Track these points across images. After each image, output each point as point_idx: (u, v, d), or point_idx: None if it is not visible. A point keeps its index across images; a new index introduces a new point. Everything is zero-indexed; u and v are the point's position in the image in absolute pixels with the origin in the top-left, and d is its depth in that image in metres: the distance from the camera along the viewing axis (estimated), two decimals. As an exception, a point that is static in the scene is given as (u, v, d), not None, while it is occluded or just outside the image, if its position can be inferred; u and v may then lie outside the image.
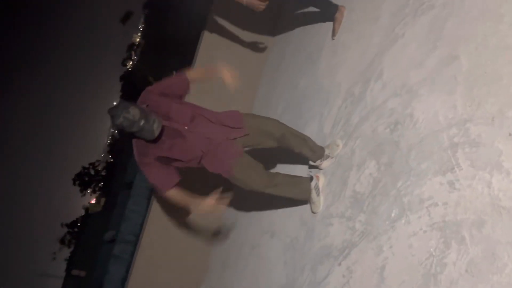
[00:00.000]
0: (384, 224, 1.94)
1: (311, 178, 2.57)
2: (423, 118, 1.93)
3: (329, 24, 3.28)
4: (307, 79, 3.42)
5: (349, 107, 2.61)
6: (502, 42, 1.66)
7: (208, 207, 2.29)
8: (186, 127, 2.27)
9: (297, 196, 2.60)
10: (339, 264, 2.17)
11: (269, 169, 3.21)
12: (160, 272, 4.19)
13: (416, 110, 2.00)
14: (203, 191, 4.20)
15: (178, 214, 4.23)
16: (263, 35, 4.50)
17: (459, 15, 1.95)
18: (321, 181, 2.56)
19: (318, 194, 2.52)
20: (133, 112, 1.99)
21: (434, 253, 1.62)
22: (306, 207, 2.67)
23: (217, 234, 4.28)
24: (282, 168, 3.22)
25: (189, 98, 2.58)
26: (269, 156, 3.04)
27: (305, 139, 2.55)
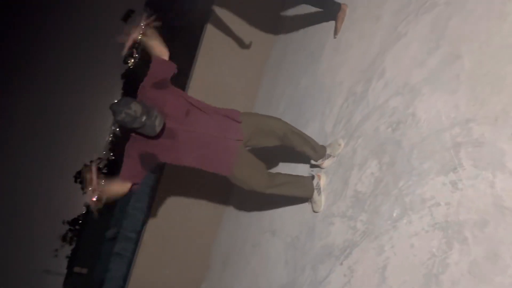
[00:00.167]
0: (386, 223, 1.94)
1: (312, 177, 2.56)
2: (425, 117, 1.92)
3: (331, 23, 3.26)
4: (308, 78, 3.41)
5: (350, 106, 2.60)
6: (506, 41, 1.65)
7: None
8: (181, 126, 2.23)
9: (298, 196, 2.59)
10: (341, 264, 2.17)
11: (270, 168, 3.21)
12: (161, 269, 4.19)
13: (418, 109, 1.98)
14: (203, 190, 4.22)
15: (180, 212, 4.23)
16: (265, 33, 4.49)
17: (462, 14, 1.93)
18: (322, 180, 2.55)
19: (319, 194, 2.51)
20: (135, 107, 1.98)
21: (436, 253, 1.61)
22: (307, 206, 2.66)
23: (218, 233, 4.28)
24: (283, 167, 3.21)
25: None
26: (270, 155, 3.04)
27: (307, 138, 2.53)
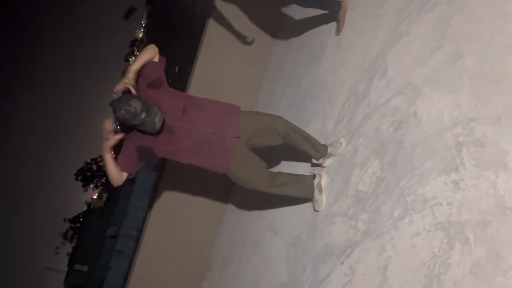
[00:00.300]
0: (387, 223, 1.93)
1: (314, 176, 2.56)
2: (427, 117, 1.92)
3: (333, 22, 3.26)
4: (310, 77, 3.40)
5: (352, 105, 2.59)
6: (509, 40, 1.64)
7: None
8: (178, 123, 2.23)
9: (300, 195, 2.59)
10: (342, 263, 2.16)
11: (271, 167, 3.20)
12: (162, 267, 4.20)
13: (420, 109, 1.98)
14: (204, 189, 4.22)
15: (181, 211, 4.23)
16: (266, 32, 4.48)
17: (464, 13, 1.92)
18: (323, 179, 2.54)
19: (320, 193, 2.51)
20: (135, 104, 1.99)
21: (437, 254, 1.60)
22: (309, 205, 2.66)
23: (219, 231, 4.28)
24: (284, 166, 3.21)
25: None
26: (271, 155, 3.03)
27: (308, 137, 2.53)
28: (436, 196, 1.71)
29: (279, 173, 2.50)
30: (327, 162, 2.58)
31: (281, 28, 4.50)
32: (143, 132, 2.18)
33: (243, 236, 3.60)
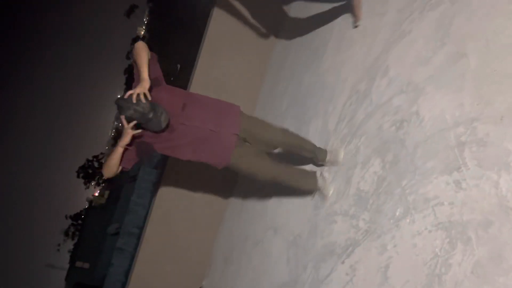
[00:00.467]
0: (389, 223, 1.93)
1: (314, 172, 2.58)
2: (429, 116, 1.91)
3: (334, 20, 3.24)
4: (311, 75, 3.40)
5: (354, 104, 2.58)
6: (512, 39, 1.63)
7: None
8: (178, 120, 2.23)
9: (303, 186, 2.60)
10: (342, 263, 2.16)
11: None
12: (163, 265, 4.21)
13: (422, 108, 1.97)
14: (206, 187, 4.21)
15: (182, 208, 4.23)
16: (268, 31, 4.47)
17: (467, 12, 1.91)
18: (326, 172, 2.57)
19: (324, 180, 2.53)
20: (143, 104, 2.01)
21: (439, 253, 1.60)
22: (310, 204, 2.66)
23: (220, 230, 4.28)
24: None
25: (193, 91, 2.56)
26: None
27: (306, 148, 2.53)
28: (437, 195, 1.70)
29: (282, 164, 2.50)
30: (327, 165, 2.59)
31: (283, 26, 4.49)
32: (144, 129, 2.19)
33: (243, 235, 3.60)
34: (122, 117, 2.05)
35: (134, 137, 2.17)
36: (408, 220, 1.81)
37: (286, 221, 2.93)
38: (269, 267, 2.93)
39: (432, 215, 1.70)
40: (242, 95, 4.39)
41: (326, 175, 2.55)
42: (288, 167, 2.51)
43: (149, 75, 2.19)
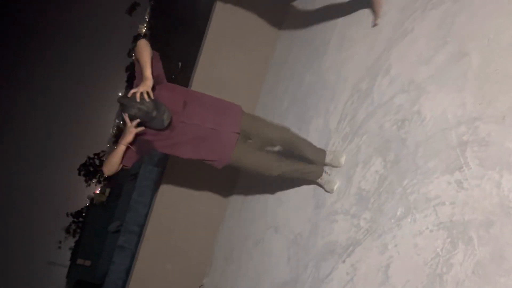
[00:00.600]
0: (390, 222, 1.92)
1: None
2: (431, 115, 1.90)
3: (337, 19, 3.23)
4: (313, 74, 3.39)
5: (355, 103, 2.58)
6: (515, 39, 1.62)
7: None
8: (179, 118, 2.23)
9: (307, 177, 2.58)
10: (343, 262, 2.16)
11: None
12: (164, 263, 4.21)
13: (424, 107, 1.96)
14: (207, 185, 4.21)
15: (183, 206, 4.23)
16: (270, 29, 4.46)
17: (470, 11, 1.90)
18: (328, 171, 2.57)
19: (330, 174, 2.53)
20: (147, 103, 2.02)
21: (440, 253, 1.60)
22: (311, 202, 2.65)
23: (221, 228, 4.28)
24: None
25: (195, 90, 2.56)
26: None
27: (308, 149, 2.52)
28: (439, 195, 1.70)
29: (285, 158, 2.49)
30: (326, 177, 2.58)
31: (285, 24, 4.48)
32: (146, 127, 2.19)
33: (244, 233, 3.60)
34: (126, 116, 2.05)
35: (137, 135, 2.18)
36: (409, 220, 1.81)
37: (287, 220, 2.93)
38: (269, 266, 2.93)
39: (433, 215, 1.69)
40: (243, 94, 4.38)
41: (329, 172, 2.54)
42: (292, 160, 2.50)
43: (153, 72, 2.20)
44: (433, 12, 2.16)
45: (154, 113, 2.04)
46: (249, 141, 2.44)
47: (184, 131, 2.26)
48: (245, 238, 3.55)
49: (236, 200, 4.14)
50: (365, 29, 2.80)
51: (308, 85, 3.41)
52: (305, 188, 2.80)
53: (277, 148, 2.50)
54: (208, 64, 4.29)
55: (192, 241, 4.27)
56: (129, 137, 2.11)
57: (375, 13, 2.71)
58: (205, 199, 4.28)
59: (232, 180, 4.33)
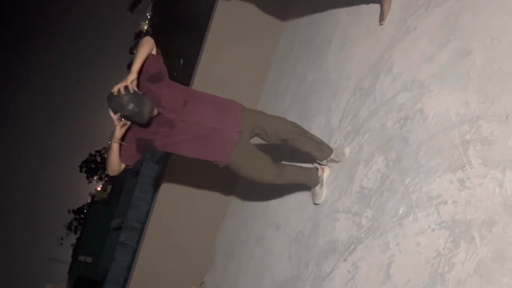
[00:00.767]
0: (391, 220, 1.92)
1: (316, 169, 2.56)
2: (433, 114, 1.89)
3: (339, 16, 3.22)
4: (315, 71, 3.38)
5: (357, 101, 2.57)
6: (519, 37, 1.61)
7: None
8: (179, 116, 2.22)
9: (304, 183, 2.60)
10: (345, 260, 2.16)
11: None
12: (165, 260, 4.22)
13: (426, 106, 1.96)
14: (208, 183, 4.21)
15: (184, 204, 4.24)
16: (272, 26, 4.45)
17: (474, 9, 1.89)
18: (325, 173, 2.55)
19: (321, 186, 2.51)
20: (123, 96, 2.00)
21: (442, 252, 1.59)
22: (312, 201, 2.65)
23: (222, 225, 4.28)
24: (287, 154, 3.20)
25: (196, 88, 2.56)
26: (273, 149, 3.02)
27: (312, 140, 2.50)
28: (441, 194, 1.69)
29: (284, 165, 2.49)
30: (330, 165, 2.57)
31: (286, 22, 4.47)
32: (142, 125, 2.18)
33: (246, 231, 3.60)
34: (109, 110, 2.05)
35: (127, 132, 2.17)
36: (411, 218, 1.81)
37: (288, 218, 2.93)
38: (270, 264, 2.93)
39: (435, 214, 1.69)
40: (245, 91, 4.38)
41: (324, 179, 2.54)
42: (289, 169, 2.49)
43: (151, 70, 2.19)
44: (436, 10, 2.15)
45: (130, 106, 2.01)
46: (251, 142, 2.43)
47: (185, 130, 2.25)
48: (246, 236, 3.55)
49: (238, 197, 4.15)
50: (368, 27, 2.79)
51: (310, 83, 3.40)
52: (306, 186, 2.80)
53: (279, 142, 2.48)
54: (209, 61, 4.29)
55: (193, 238, 4.28)
56: (116, 132, 2.09)
57: (382, 13, 2.67)
58: (207, 197, 4.28)
59: (234, 178, 4.33)
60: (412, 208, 1.82)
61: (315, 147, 2.51)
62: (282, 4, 4.46)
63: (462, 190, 1.60)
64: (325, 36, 3.42)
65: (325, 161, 2.58)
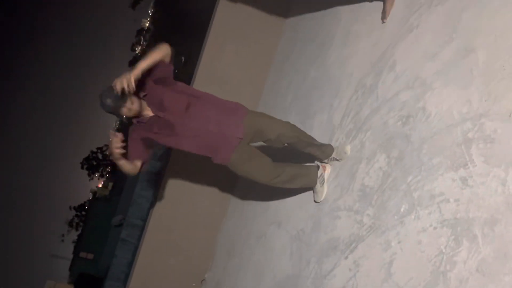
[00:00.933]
0: (393, 219, 1.91)
1: (317, 167, 2.56)
2: (436, 112, 1.89)
3: (341, 14, 3.21)
4: (317, 69, 3.37)
5: (359, 99, 2.56)
6: (522, 35, 1.60)
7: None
8: (180, 119, 2.27)
9: (303, 186, 2.61)
10: (346, 258, 2.15)
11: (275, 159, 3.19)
12: (166, 257, 4.22)
13: (429, 104, 1.95)
14: (209, 180, 4.21)
15: (185, 201, 4.24)
16: (274, 23, 4.44)
17: (477, 6, 1.88)
18: (327, 171, 2.54)
19: (322, 185, 2.52)
20: (107, 92, 2.09)
21: (444, 251, 1.59)
22: (313, 199, 2.65)
23: (223, 223, 4.28)
24: (287, 153, 3.19)
25: (197, 87, 2.56)
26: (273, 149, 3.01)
27: (313, 142, 2.51)
28: (443, 192, 1.69)
29: (283, 165, 2.49)
30: (331, 164, 2.57)
31: (288, 19, 4.45)
32: (144, 124, 2.29)
33: (247, 228, 3.60)
34: (111, 133, 2.16)
35: (133, 133, 2.30)
36: (413, 217, 1.80)
37: (290, 215, 2.92)
38: (271, 261, 2.93)
39: (437, 212, 1.68)
40: (246, 89, 4.37)
41: (324, 178, 2.55)
42: (290, 171, 2.50)
43: (159, 75, 2.27)
44: (439, 8, 2.14)
45: (108, 101, 2.11)
46: (251, 146, 2.45)
47: (184, 133, 2.31)
48: (247, 233, 3.55)
49: (239, 195, 4.14)
50: (370, 24, 2.78)
51: (312, 80, 3.39)
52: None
53: (281, 146, 2.49)
54: (211, 59, 4.28)
55: (194, 236, 4.28)
56: (116, 153, 2.19)
57: (385, 10, 2.64)
58: (208, 194, 4.28)
59: (235, 176, 4.32)
60: (414, 206, 1.81)
61: (317, 148, 2.52)
62: (283, 2, 4.45)
63: (464, 188, 1.60)
64: (327, 33, 3.41)
65: (327, 159, 2.58)
